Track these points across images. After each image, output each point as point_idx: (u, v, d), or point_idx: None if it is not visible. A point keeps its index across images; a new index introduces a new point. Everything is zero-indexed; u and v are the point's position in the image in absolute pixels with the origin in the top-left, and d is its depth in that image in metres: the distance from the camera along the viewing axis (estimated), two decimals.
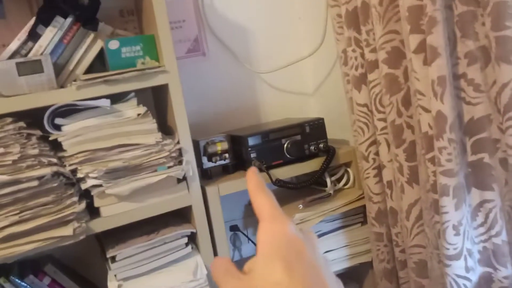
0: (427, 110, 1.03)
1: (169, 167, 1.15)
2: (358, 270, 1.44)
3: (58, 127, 1.09)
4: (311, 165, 1.35)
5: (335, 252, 1.36)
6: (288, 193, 1.51)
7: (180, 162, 1.17)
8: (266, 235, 0.40)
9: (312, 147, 1.36)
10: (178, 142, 1.17)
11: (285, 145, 1.33)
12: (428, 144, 1.04)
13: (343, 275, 1.42)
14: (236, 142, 1.34)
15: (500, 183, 0.98)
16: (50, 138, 1.07)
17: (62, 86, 1.15)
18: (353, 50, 1.23)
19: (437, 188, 1.02)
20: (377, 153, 1.26)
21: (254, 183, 0.45)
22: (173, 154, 1.15)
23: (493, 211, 1.00)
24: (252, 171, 0.46)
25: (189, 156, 1.19)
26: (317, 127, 1.37)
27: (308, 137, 1.35)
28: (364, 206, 1.36)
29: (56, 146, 1.09)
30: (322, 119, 1.37)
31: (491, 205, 1.00)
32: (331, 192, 1.40)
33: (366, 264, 1.40)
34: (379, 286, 1.35)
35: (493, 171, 0.99)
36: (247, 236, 1.55)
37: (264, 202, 0.43)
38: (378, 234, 1.30)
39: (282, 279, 0.36)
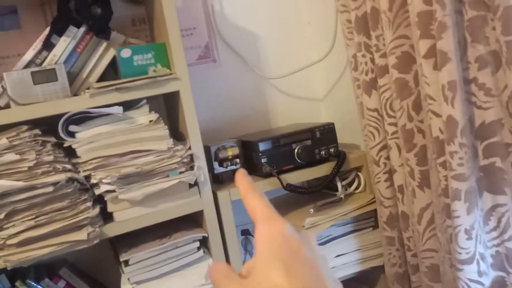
0: (437, 115, 1.03)
1: (181, 173, 1.16)
2: (370, 274, 1.44)
3: (72, 134, 1.11)
4: (322, 170, 1.36)
5: (347, 256, 1.37)
6: (299, 197, 1.51)
7: (192, 168, 1.18)
8: (263, 236, 0.39)
9: (322, 152, 1.36)
10: (189, 148, 1.18)
11: (296, 150, 1.34)
12: (439, 148, 1.04)
13: (355, 279, 1.42)
14: (247, 147, 1.35)
15: None
16: (65, 145, 1.09)
17: (75, 94, 1.17)
18: (363, 55, 1.24)
19: (449, 192, 1.02)
20: (388, 158, 1.26)
21: (244, 186, 0.44)
22: (185, 160, 1.16)
23: (506, 215, 1.00)
24: (241, 173, 0.45)
25: (201, 161, 1.20)
26: (327, 132, 1.37)
27: (318, 142, 1.36)
28: (375, 210, 1.36)
29: (70, 152, 1.11)
30: (333, 124, 1.38)
31: (504, 209, 1.00)
32: (342, 196, 1.40)
33: (377, 268, 1.40)
34: None
35: (505, 175, 0.99)
36: None
37: (257, 203, 0.42)
38: (390, 238, 1.30)
39: (282, 281, 0.36)
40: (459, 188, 1.00)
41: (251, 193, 0.43)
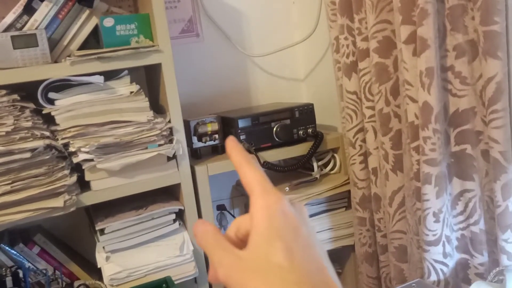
0: (414, 100, 1.05)
1: (159, 145, 1.17)
2: (340, 252, 1.48)
3: (51, 101, 1.10)
4: (299, 149, 1.38)
5: (319, 234, 1.40)
6: (275, 175, 1.53)
7: (171, 141, 1.19)
8: (262, 211, 0.38)
9: (300, 132, 1.38)
10: (169, 121, 1.19)
11: (275, 129, 1.35)
12: (414, 133, 1.07)
13: None
14: (226, 123, 1.36)
15: (481, 174, 1.02)
16: (43, 112, 1.08)
17: (56, 61, 1.16)
18: (345, 38, 1.25)
19: (420, 176, 1.06)
20: (364, 140, 1.29)
21: (238, 155, 0.42)
22: (164, 133, 1.17)
23: (473, 200, 1.04)
24: (233, 141, 0.43)
25: (180, 135, 1.21)
26: (306, 112, 1.39)
27: (297, 122, 1.38)
28: (348, 191, 1.40)
29: (49, 120, 1.10)
30: (312, 104, 1.39)
31: (471, 195, 1.04)
32: (317, 176, 1.43)
33: (348, 247, 1.44)
34: (359, 268, 1.39)
35: (474, 162, 1.02)
36: (233, 216, 1.58)
37: (253, 175, 0.40)
38: (361, 219, 1.34)
39: (283, 262, 0.36)
40: (430, 173, 1.03)
41: (246, 163, 0.41)
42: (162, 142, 1.17)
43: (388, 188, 1.21)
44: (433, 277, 1.07)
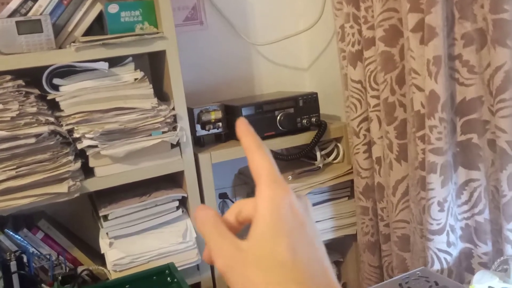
0: (420, 89, 1.05)
1: (163, 132, 1.16)
2: (342, 241, 1.48)
3: (56, 87, 1.09)
4: (303, 138, 1.38)
5: (321, 223, 1.40)
6: (278, 164, 1.51)
7: (175, 128, 1.19)
8: (268, 203, 0.37)
9: (304, 121, 1.38)
10: (173, 109, 1.18)
11: (278, 117, 1.35)
12: (420, 122, 1.07)
13: (327, 246, 1.44)
14: (230, 111, 1.35)
15: (487, 164, 1.02)
16: (48, 98, 1.08)
17: (60, 47, 1.15)
18: (351, 27, 1.24)
19: (425, 165, 1.05)
20: (368, 130, 1.29)
21: (248, 138, 0.40)
22: (168, 120, 1.16)
23: (478, 190, 1.04)
24: (244, 122, 0.41)
25: (184, 123, 1.21)
26: (310, 101, 1.39)
27: (301, 111, 1.37)
28: (351, 181, 1.40)
29: (54, 105, 1.10)
30: (316, 93, 1.39)
31: (476, 184, 1.04)
32: (321, 165, 1.43)
33: (350, 237, 1.45)
34: (361, 258, 1.39)
35: (480, 151, 1.02)
36: None
37: (262, 162, 0.39)
38: (364, 208, 1.34)
39: (286, 259, 0.35)
40: (435, 162, 1.03)
41: (256, 147, 0.39)
42: (166, 129, 1.16)
43: (391, 177, 1.21)
44: (437, 266, 1.07)
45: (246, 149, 0.40)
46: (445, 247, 1.06)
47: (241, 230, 0.40)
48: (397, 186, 1.20)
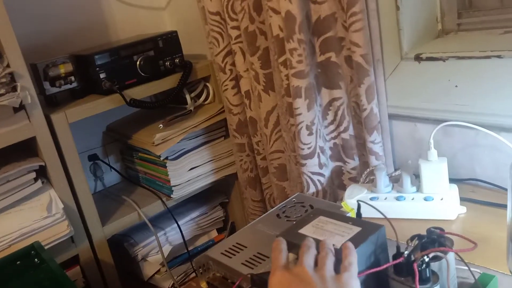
0: (277, 12, 1.01)
1: (0, 95, 1.01)
2: (225, 182, 1.45)
3: None
4: (168, 82, 1.29)
5: (201, 168, 1.35)
6: (149, 114, 1.44)
7: (14, 89, 1.03)
8: (274, 284, 0.56)
9: (167, 63, 1.29)
10: (8, 66, 1.02)
11: (138, 62, 1.25)
12: (280, 47, 1.03)
13: (211, 189, 1.43)
14: (82, 62, 1.22)
15: (346, 81, 1.02)
16: None
17: None
18: None
19: (290, 91, 1.03)
20: (233, 64, 1.23)
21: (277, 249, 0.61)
22: (3, 80, 1.01)
23: (341, 108, 1.04)
24: (280, 241, 0.62)
25: (25, 81, 1.05)
26: (171, 41, 1.29)
27: (162, 53, 1.28)
28: (225, 120, 1.35)
29: None
30: (176, 32, 1.30)
31: (339, 103, 1.04)
32: (192, 108, 1.36)
33: (231, 176, 1.42)
34: (244, 194, 1.38)
35: (339, 69, 1.01)
36: (108, 165, 1.47)
37: (272, 255, 0.60)
38: (240, 145, 1.31)
39: None
40: (299, 86, 1.01)
41: (278, 250, 0.60)
42: (3, 91, 1.01)
43: (262, 109, 1.18)
44: (312, 189, 1.08)
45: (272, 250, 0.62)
46: (317, 169, 1.07)
47: None
48: (268, 117, 1.18)
